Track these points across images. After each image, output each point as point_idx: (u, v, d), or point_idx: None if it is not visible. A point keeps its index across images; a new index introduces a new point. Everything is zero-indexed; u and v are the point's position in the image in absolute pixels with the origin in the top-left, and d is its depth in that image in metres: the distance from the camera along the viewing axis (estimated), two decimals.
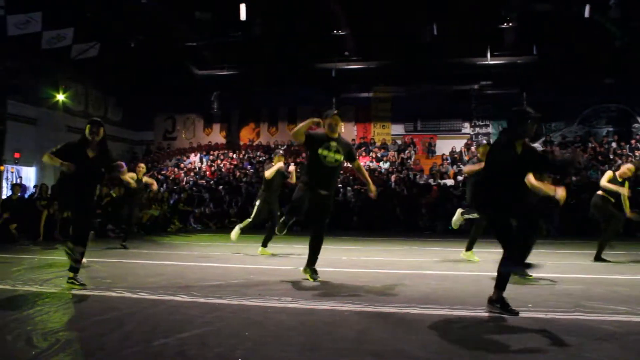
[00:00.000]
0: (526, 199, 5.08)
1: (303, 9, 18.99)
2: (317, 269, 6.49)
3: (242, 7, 17.70)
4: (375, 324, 4.27)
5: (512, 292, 5.72)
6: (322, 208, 6.38)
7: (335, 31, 20.20)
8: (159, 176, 23.43)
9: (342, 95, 24.36)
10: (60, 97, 21.79)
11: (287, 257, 9.47)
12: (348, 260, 9.22)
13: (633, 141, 21.36)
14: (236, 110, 27.04)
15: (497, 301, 4.62)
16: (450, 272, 6.42)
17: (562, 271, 7.70)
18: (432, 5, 18.36)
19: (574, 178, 18.44)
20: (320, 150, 6.28)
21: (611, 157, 20.17)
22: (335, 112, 6.48)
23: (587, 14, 16.95)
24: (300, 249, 10.13)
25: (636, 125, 22.69)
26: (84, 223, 5.93)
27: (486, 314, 4.59)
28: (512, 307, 4.53)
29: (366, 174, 6.88)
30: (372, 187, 6.68)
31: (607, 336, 3.91)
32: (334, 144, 6.32)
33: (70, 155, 5.81)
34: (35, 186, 18.35)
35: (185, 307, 4.86)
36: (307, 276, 6.43)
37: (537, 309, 4.79)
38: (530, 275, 6.42)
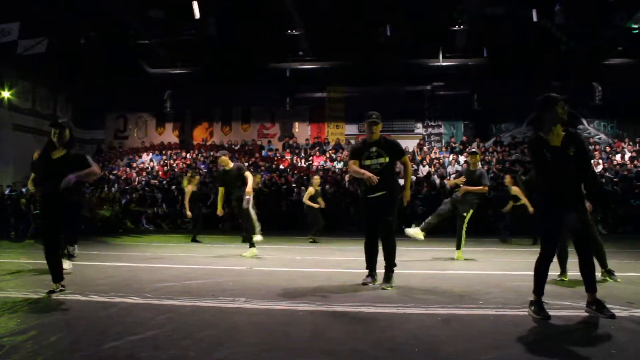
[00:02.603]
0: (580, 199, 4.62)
1: (257, 8, 18.90)
2: (270, 269, 6.45)
3: (195, 6, 17.51)
4: (329, 323, 4.30)
5: (465, 289, 5.86)
6: (376, 211, 6.23)
7: (289, 31, 20.19)
8: (110, 176, 22.96)
9: (296, 95, 24.39)
10: (6, 94, 21.08)
11: (240, 258, 9.41)
12: (302, 259, 9.25)
13: None
14: (189, 109, 26.73)
15: (592, 303, 4.51)
16: (402, 270, 6.50)
17: (511, 268, 7.92)
18: (386, 6, 18.55)
19: (523, 177, 18.93)
20: (363, 162, 6.24)
21: None
22: (374, 116, 6.29)
23: (534, 18, 17.44)
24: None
25: (581, 127, 23.45)
26: (43, 228, 5.73)
27: (437, 311, 4.67)
28: (608, 309, 4.42)
29: (409, 173, 6.47)
30: (407, 193, 6.37)
31: (554, 330, 4.05)
32: (374, 149, 6.23)
33: (39, 160, 5.67)
34: None
35: (138, 309, 4.79)
36: (387, 286, 6.02)
37: (488, 305, 4.91)
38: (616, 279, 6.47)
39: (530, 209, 11.29)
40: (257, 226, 10.29)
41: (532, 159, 4.71)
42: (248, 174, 9.53)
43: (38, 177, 5.69)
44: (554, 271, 6.06)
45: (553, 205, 4.53)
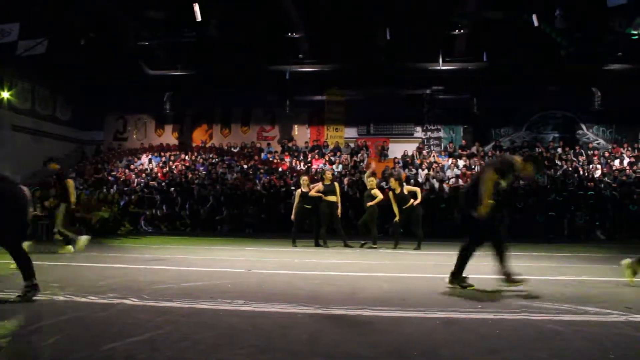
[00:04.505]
0: None
1: (258, 11, 18.92)
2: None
3: (196, 8, 17.50)
4: (327, 326, 4.30)
5: (464, 292, 5.85)
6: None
7: (289, 33, 20.21)
8: (109, 177, 22.94)
9: (296, 98, 24.41)
10: (5, 94, 21.06)
11: (238, 259, 9.41)
12: (300, 262, 9.24)
13: (577, 147, 22.18)
14: (189, 111, 26.71)
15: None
16: (401, 274, 6.50)
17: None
18: (386, 9, 18.57)
19: (521, 182, 18.96)
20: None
21: (557, 162, 20.94)
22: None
23: (534, 23, 17.47)
24: (252, 252, 10.09)
25: (580, 131, 23.53)
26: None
27: (436, 315, 4.66)
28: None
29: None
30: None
31: (552, 334, 4.04)
32: None
33: None
34: None
35: (136, 310, 4.78)
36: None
37: (486, 309, 4.91)
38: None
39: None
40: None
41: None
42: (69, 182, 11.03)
43: None
44: (524, 275, 6.04)
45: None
